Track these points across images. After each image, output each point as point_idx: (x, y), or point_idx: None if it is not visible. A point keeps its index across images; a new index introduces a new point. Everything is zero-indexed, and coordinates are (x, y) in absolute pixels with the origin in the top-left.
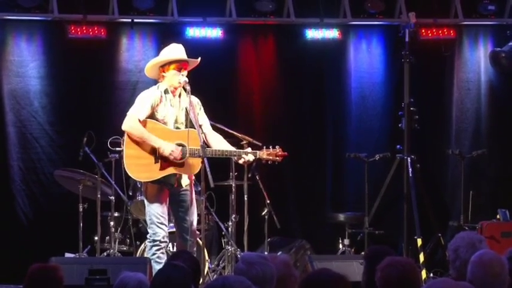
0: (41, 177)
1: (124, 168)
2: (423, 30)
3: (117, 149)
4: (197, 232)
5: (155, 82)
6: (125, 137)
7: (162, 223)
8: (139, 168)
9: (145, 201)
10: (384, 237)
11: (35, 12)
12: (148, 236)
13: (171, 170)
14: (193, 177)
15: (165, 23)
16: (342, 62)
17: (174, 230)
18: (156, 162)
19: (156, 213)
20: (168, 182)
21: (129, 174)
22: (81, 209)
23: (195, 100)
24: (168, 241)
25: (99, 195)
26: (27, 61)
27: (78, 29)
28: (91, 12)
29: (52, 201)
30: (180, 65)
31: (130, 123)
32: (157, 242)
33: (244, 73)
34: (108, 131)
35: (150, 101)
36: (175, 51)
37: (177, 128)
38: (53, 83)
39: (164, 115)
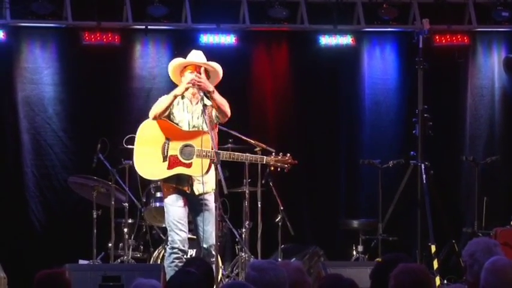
0: (54, 184)
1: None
2: (437, 37)
3: (130, 146)
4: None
5: (169, 89)
6: (137, 135)
7: (180, 229)
8: (147, 165)
9: (164, 206)
10: (397, 244)
11: (49, 19)
12: (168, 243)
13: (178, 170)
14: (213, 186)
15: (179, 30)
16: (356, 68)
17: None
18: (164, 160)
19: (174, 219)
20: (180, 188)
21: (137, 170)
22: (94, 216)
23: (209, 103)
24: (187, 249)
25: (113, 202)
26: (41, 68)
27: (92, 36)
28: (105, 19)
29: (66, 207)
30: (192, 68)
31: (153, 108)
32: (176, 250)
33: (258, 79)
34: (121, 138)
35: None
36: (189, 55)
37: None
38: (66, 89)
39: (180, 119)
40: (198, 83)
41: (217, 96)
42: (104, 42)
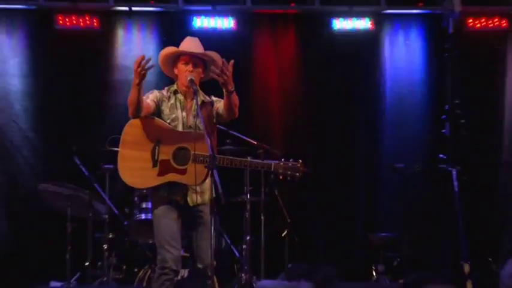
0: (22, 193)
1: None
2: (470, 20)
3: (114, 149)
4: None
5: (158, 82)
6: (122, 136)
7: (172, 246)
8: (133, 172)
9: (153, 218)
10: (424, 262)
11: (16, 0)
12: (157, 262)
13: (170, 177)
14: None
15: (169, 12)
16: (375, 57)
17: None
18: (154, 166)
19: (165, 234)
20: (173, 198)
21: (122, 178)
22: (69, 230)
23: (208, 99)
24: (179, 269)
25: (90, 214)
26: (7, 57)
27: (67, 19)
28: None
29: (36, 220)
30: (186, 59)
31: None
32: (167, 270)
33: (261, 70)
34: (101, 138)
35: (153, 95)
36: (183, 43)
37: None
38: (37, 82)
39: (172, 118)
40: (225, 76)
41: (234, 94)
42: (81, 26)
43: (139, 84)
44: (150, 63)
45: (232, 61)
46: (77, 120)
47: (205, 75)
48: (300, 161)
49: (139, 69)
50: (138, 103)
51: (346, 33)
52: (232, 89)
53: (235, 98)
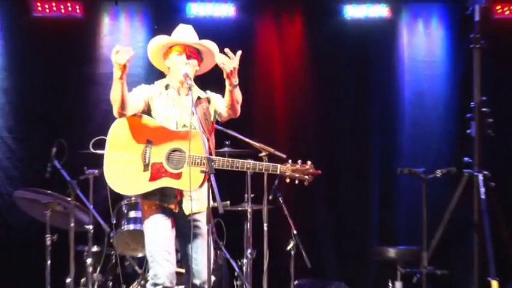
0: None
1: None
2: (498, 7)
3: (99, 151)
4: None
5: (147, 75)
6: (108, 136)
7: (166, 259)
8: (122, 177)
9: (144, 229)
10: (447, 279)
11: None
12: (149, 278)
13: (163, 182)
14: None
15: None
16: (392, 48)
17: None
18: (145, 170)
19: (158, 247)
20: (166, 206)
21: (109, 184)
22: (48, 242)
23: (205, 95)
24: (174, 286)
25: (72, 224)
26: None
27: (46, 6)
28: None
29: (11, 231)
30: (180, 49)
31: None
32: (160, 287)
33: (264, 63)
34: (84, 139)
35: (142, 90)
36: (175, 32)
37: None
38: (12, 76)
39: (165, 116)
40: (231, 67)
41: (238, 89)
42: (62, 14)
43: (122, 78)
44: (131, 52)
45: (240, 52)
46: (58, 119)
47: (200, 68)
48: (310, 162)
49: (118, 59)
50: (123, 100)
51: (359, 21)
52: (237, 83)
53: (238, 94)
